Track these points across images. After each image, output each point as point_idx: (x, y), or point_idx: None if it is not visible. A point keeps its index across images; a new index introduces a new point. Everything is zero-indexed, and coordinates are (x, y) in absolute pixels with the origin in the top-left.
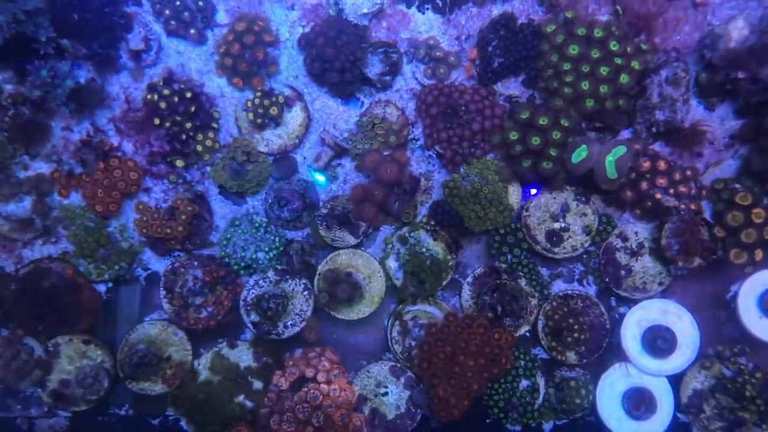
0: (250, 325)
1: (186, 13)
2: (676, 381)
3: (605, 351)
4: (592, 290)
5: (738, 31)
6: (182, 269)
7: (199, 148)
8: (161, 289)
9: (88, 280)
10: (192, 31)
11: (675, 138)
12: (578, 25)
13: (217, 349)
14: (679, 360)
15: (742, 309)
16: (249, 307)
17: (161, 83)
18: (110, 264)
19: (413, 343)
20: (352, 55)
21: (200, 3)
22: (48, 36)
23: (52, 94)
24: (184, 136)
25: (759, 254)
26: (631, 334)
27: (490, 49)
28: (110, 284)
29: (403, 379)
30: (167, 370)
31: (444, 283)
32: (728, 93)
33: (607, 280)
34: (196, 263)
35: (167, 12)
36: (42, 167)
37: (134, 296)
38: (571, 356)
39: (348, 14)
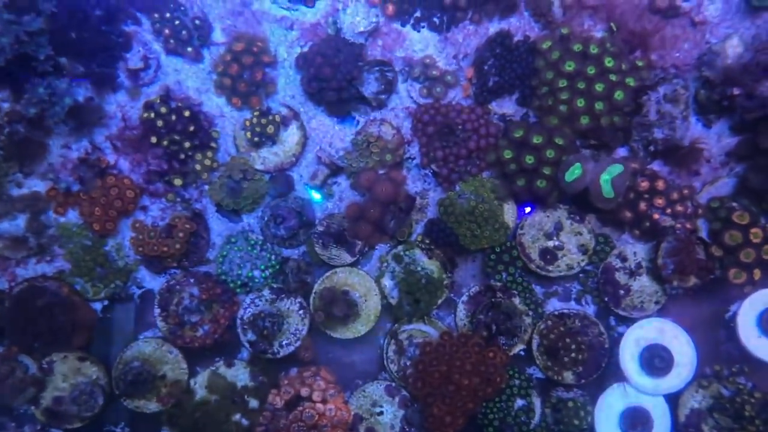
0: (246, 343)
1: (184, 32)
2: (673, 400)
3: (605, 371)
4: (590, 310)
5: (733, 49)
6: (178, 287)
7: (198, 167)
8: (156, 307)
9: (84, 298)
10: (189, 49)
11: (674, 156)
12: (574, 42)
13: (213, 368)
14: (675, 379)
15: (741, 328)
16: (246, 326)
17: (158, 101)
18: (106, 282)
19: (408, 363)
20: (349, 74)
21: (197, 21)
22: (47, 54)
23: (50, 112)
24: (182, 156)
25: (758, 274)
26: (629, 353)
27: (486, 67)
28: (106, 302)
29: (398, 399)
30: (162, 388)
31: (439, 302)
32: (725, 110)
33: (606, 299)
34: (192, 281)
35: (166, 31)
36: (37, 185)
37: (129, 314)
38: (569, 376)
39: (346, 33)
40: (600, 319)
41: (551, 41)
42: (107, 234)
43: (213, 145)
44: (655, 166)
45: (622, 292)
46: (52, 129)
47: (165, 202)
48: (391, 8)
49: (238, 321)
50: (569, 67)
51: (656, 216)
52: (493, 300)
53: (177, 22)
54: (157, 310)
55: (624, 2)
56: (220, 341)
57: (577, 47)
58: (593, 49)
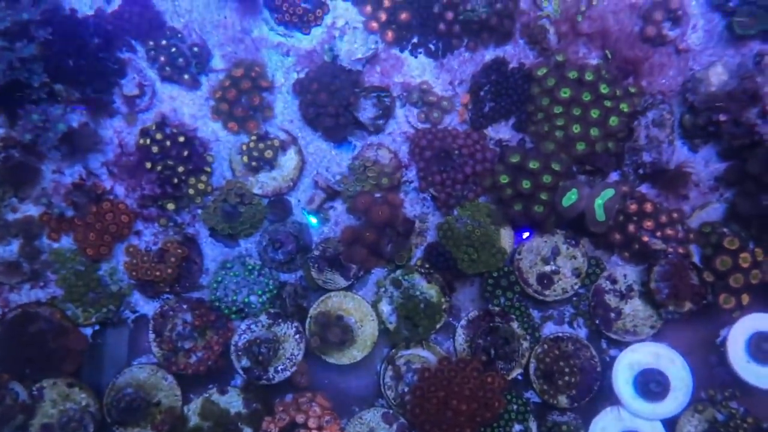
0: (240, 370)
1: (180, 59)
2: (670, 425)
3: (596, 394)
4: (582, 332)
5: (717, 76)
6: (171, 312)
7: (191, 191)
8: (150, 332)
9: (74, 323)
10: (186, 76)
11: (660, 179)
12: (569, 69)
13: (206, 394)
14: (672, 404)
15: (731, 353)
16: (240, 352)
17: (154, 128)
18: (98, 307)
19: (406, 389)
20: (345, 100)
21: (195, 49)
22: (41, 81)
23: (43, 138)
24: (175, 180)
25: (746, 298)
26: (623, 377)
27: (482, 93)
28: (97, 327)
29: (395, 426)
30: (157, 415)
31: (438, 326)
32: (711, 135)
33: (597, 322)
34: (185, 306)
35: (162, 58)
36: (30, 210)
37: (122, 339)
38: (563, 400)
39: (343, 60)
40: (591, 342)
41: (547, 68)
42: (101, 259)
43: (207, 169)
44: (643, 189)
45: (613, 315)
46: (46, 154)
47: (158, 227)
48: (390, 34)
49: (232, 347)
50: (565, 93)
51: (645, 238)
52: (491, 325)
53: (173, 50)
54: (151, 336)
55: (618, 30)
56: (213, 368)
57: (572, 74)
58: (588, 76)
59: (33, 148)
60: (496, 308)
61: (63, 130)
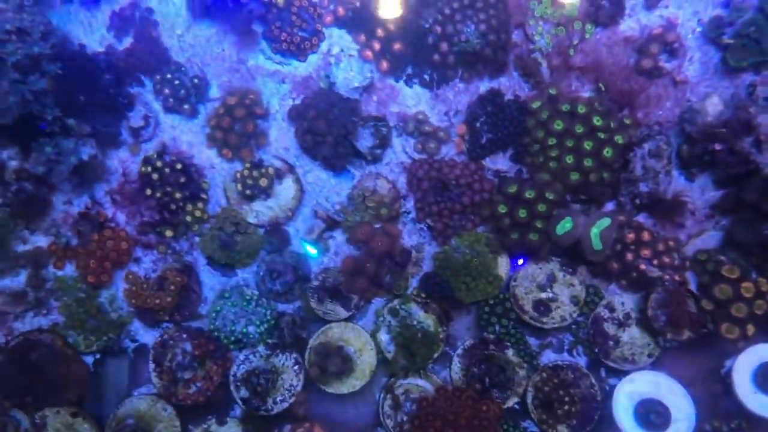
0: (239, 401)
1: (182, 91)
2: None
3: (597, 424)
4: (582, 361)
5: (714, 107)
6: (171, 342)
7: (188, 218)
8: (150, 362)
9: (76, 351)
10: (186, 106)
11: (658, 209)
12: (562, 102)
13: (206, 426)
14: None
15: (737, 383)
16: (239, 383)
17: (155, 156)
18: (98, 335)
19: (405, 418)
20: (344, 128)
21: (195, 80)
22: (54, 115)
23: (56, 171)
24: (173, 206)
25: (751, 329)
26: (622, 407)
27: (478, 125)
28: (98, 355)
29: None
30: None
31: (435, 355)
32: (707, 164)
33: (596, 350)
34: (185, 336)
35: (166, 90)
36: (40, 240)
37: (122, 368)
38: (563, 429)
39: (339, 88)
40: (591, 371)
41: (540, 101)
42: (102, 286)
43: (203, 196)
44: (641, 218)
45: (611, 343)
46: (57, 186)
47: (157, 254)
48: (385, 64)
49: (231, 378)
50: (558, 126)
51: (643, 267)
52: (486, 353)
53: (177, 82)
54: (151, 365)
55: (612, 63)
56: (212, 398)
57: (565, 107)
58: (581, 109)
59: (45, 180)
60: (491, 336)
61: (74, 162)
